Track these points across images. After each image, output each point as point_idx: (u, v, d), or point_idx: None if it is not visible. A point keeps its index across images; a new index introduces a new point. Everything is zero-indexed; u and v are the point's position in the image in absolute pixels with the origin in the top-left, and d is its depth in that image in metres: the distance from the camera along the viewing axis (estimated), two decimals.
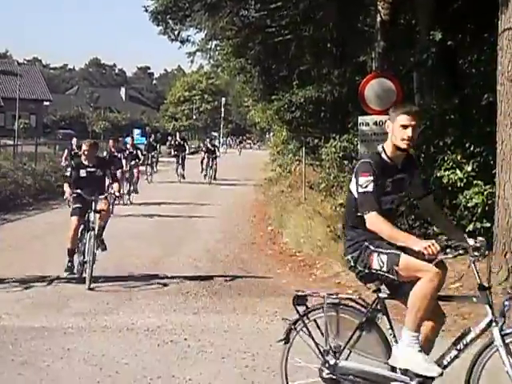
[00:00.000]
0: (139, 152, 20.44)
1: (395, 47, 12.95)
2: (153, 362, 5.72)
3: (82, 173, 9.06)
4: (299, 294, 4.46)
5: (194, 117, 78.16)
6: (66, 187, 9.12)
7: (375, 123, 10.47)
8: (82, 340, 6.31)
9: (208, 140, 29.83)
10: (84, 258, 8.72)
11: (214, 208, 17.79)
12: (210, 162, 26.34)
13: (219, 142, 58.61)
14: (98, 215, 8.88)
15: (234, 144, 65.52)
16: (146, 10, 17.46)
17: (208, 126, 79.80)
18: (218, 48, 24.25)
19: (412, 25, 13.55)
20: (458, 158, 9.51)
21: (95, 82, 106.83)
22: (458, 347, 4.02)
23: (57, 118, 66.44)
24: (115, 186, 9.87)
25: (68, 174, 9.23)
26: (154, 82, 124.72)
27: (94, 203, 8.84)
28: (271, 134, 38.47)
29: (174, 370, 5.53)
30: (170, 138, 36.35)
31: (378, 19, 12.77)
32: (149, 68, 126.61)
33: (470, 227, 9.13)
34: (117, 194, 9.91)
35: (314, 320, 4.41)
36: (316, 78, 17.01)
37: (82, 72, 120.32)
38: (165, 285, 8.85)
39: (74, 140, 18.89)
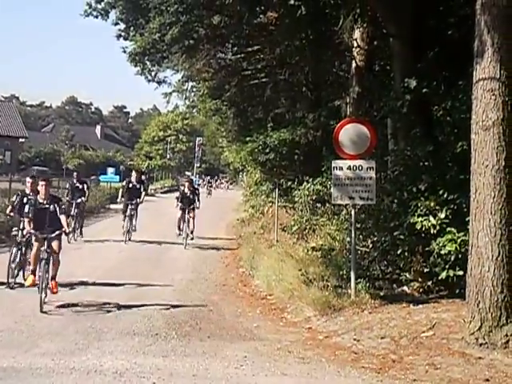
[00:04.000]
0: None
1: (370, 93, 13.13)
2: None
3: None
4: None
5: (168, 156, 78.13)
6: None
7: (349, 168, 10.51)
8: (49, 382, 6.19)
9: (185, 178, 26.45)
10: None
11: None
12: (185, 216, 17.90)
13: (197, 181, 57.35)
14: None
15: (202, 184, 62.72)
16: (125, 52, 17.60)
17: (182, 166, 79.79)
18: (194, 89, 24.48)
19: (387, 71, 13.77)
20: (432, 204, 9.51)
21: (71, 120, 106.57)
22: None
23: (32, 155, 66.03)
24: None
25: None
26: (130, 120, 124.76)
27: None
28: (244, 174, 38.50)
29: None
30: (143, 176, 35.98)
31: (354, 65, 13.01)
32: (125, 107, 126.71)
33: (443, 275, 9.11)
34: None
35: None
36: (291, 121, 17.15)
37: (59, 110, 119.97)
38: (134, 326, 8.70)
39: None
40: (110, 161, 65.77)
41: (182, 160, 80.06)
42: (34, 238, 10.05)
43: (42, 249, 9.71)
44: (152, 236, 18.79)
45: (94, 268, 13.41)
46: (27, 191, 11.63)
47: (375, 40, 13.23)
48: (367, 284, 10.06)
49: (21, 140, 63.40)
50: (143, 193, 18.79)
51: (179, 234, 17.72)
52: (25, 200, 10.72)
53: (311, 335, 8.72)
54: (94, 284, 11.66)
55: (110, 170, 42.60)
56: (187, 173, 76.69)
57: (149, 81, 19.48)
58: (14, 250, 11.06)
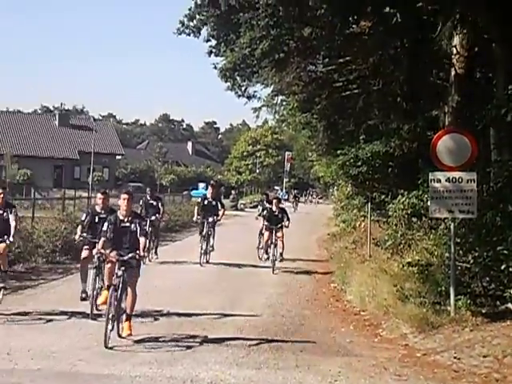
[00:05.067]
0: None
1: (470, 101, 12.60)
2: None
3: None
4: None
5: (258, 171, 78.81)
6: None
7: (448, 180, 10.10)
8: None
9: (272, 193, 25.35)
10: None
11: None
12: (273, 236, 16.18)
13: (284, 196, 57.06)
14: None
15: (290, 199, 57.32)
16: (215, 68, 17.84)
17: (271, 180, 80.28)
18: (284, 103, 24.47)
19: (489, 78, 13.17)
20: None
21: (164, 137, 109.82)
22: None
23: (128, 172, 68.47)
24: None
25: None
26: (220, 136, 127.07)
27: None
28: (335, 188, 38.15)
29: None
30: (232, 191, 36.35)
31: (453, 73, 12.51)
32: (215, 123, 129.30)
33: None
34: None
35: None
36: (384, 132, 16.71)
37: (152, 127, 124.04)
38: (227, 338, 8.72)
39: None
40: (201, 176, 67.30)
41: (271, 174, 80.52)
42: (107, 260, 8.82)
43: (118, 272, 8.39)
44: (233, 256, 17.27)
45: (168, 292, 12.06)
46: (98, 209, 10.54)
47: (476, 46, 12.69)
48: (468, 301, 9.60)
49: (118, 157, 66.20)
50: (221, 210, 16.72)
51: (267, 258, 16.10)
52: (96, 219, 10.07)
53: (408, 352, 8.41)
54: (168, 314, 10.16)
55: (201, 185, 43.66)
56: (276, 187, 77.02)
57: (239, 96, 19.63)
58: (93, 274, 9.93)
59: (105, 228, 8.58)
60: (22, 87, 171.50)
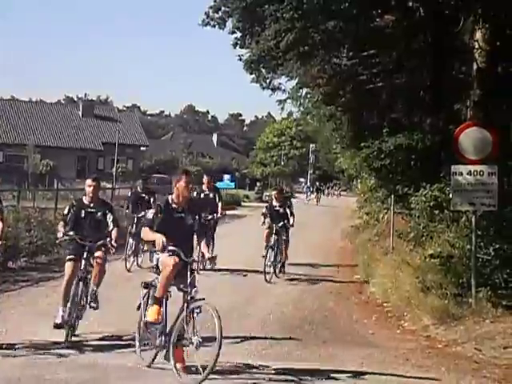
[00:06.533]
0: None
1: (492, 95, 12.63)
2: None
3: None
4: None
5: (282, 163, 78.84)
6: None
7: (469, 173, 10.22)
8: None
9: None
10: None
11: None
12: (273, 240, 13.45)
13: (307, 188, 56.52)
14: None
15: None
16: (240, 59, 17.95)
17: (296, 173, 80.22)
18: (309, 96, 24.45)
19: (510, 73, 13.17)
20: None
21: (189, 128, 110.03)
22: None
23: (152, 163, 68.45)
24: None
25: None
26: (245, 128, 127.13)
27: None
28: (358, 181, 38.02)
29: None
30: (258, 183, 36.50)
31: (475, 67, 12.54)
32: (240, 115, 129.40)
33: None
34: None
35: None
36: (407, 125, 16.74)
37: (177, 118, 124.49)
38: (250, 330, 8.79)
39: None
40: (226, 168, 67.41)
41: (296, 166, 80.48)
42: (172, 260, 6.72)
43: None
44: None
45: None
46: (85, 200, 8.25)
47: (498, 40, 12.71)
48: (489, 293, 9.71)
49: (142, 148, 65.77)
50: (218, 199, 14.19)
51: (263, 256, 13.10)
52: (83, 213, 8.05)
53: (430, 343, 8.56)
54: None
55: (226, 177, 43.77)
56: (301, 179, 77.06)
57: (263, 88, 19.70)
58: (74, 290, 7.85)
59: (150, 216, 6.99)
60: (46, 77, 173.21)
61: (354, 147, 22.70)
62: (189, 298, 6.50)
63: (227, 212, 16.78)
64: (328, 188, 69.21)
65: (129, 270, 13.34)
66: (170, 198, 7.09)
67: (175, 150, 75.77)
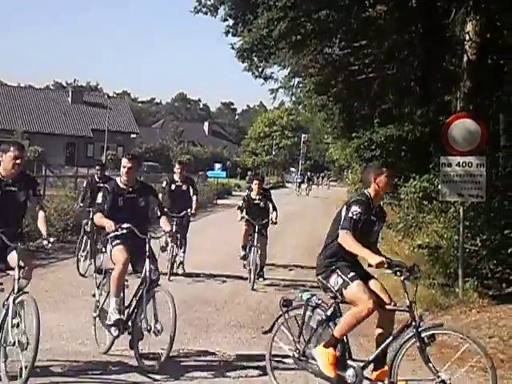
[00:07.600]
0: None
1: (482, 87, 12.72)
2: None
3: None
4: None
5: (274, 152, 78.86)
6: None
7: (458, 164, 10.29)
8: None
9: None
10: None
11: None
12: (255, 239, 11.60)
13: (298, 178, 56.49)
14: None
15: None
16: (233, 48, 17.92)
17: (287, 162, 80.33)
18: (300, 85, 24.49)
19: (500, 65, 13.27)
20: None
21: (180, 116, 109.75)
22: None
23: (142, 151, 68.17)
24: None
25: None
26: (237, 117, 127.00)
27: None
28: (349, 171, 38.13)
29: None
30: (249, 172, 36.42)
31: (465, 59, 12.61)
32: (232, 103, 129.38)
33: None
34: None
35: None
36: (398, 116, 16.84)
37: (168, 106, 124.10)
38: (240, 318, 8.97)
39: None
40: (217, 157, 67.27)
41: (287, 156, 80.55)
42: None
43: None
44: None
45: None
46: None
47: (488, 33, 12.79)
48: (475, 283, 9.83)
49: (132, 136, 65.53)
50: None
51: (242, 257, 11.87)
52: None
53: None
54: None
55: (217, 165, 43.64)
56: (292, 169, 77.13)
57: (256, 77, 19.69)
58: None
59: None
60: (35, 62, 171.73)
61: (345, 137, 22.80)
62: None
63: (219, 201, 16.31)
64: (318, 178, 69.30)
65: (83, 275, 11.47)
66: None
67: (166, 138, 75.53)
